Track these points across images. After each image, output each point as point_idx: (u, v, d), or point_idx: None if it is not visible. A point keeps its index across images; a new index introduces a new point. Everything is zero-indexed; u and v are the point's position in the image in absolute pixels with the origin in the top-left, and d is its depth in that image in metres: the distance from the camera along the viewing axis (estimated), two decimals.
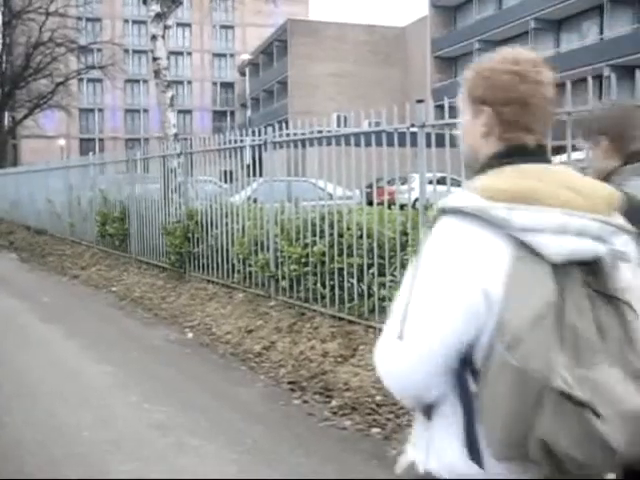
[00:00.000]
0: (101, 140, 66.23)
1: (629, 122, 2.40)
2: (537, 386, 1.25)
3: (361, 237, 6.42)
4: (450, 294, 1.35)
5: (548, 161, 1.52)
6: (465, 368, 1.37)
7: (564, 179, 1.43)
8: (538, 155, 1.49)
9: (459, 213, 1.37)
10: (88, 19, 54.67)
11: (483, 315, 1.33)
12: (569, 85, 4.72)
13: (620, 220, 1.42)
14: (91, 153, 15.14)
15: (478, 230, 1.35)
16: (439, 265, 1.39)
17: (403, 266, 5.85)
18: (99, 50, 41.95)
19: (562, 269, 1.32)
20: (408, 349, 1.38)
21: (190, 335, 7.37)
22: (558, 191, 1.38)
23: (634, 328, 1.33)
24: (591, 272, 1.35)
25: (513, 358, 1.26)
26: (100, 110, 68.04)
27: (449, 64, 48.16)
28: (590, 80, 4.62)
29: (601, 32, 35.83)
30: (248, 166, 8.65)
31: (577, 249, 1.33)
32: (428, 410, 1.47)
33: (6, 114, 38.19)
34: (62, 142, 58.23)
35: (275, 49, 57.17)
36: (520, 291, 1.30)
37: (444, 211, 1.41)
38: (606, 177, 2.25)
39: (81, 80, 55.60)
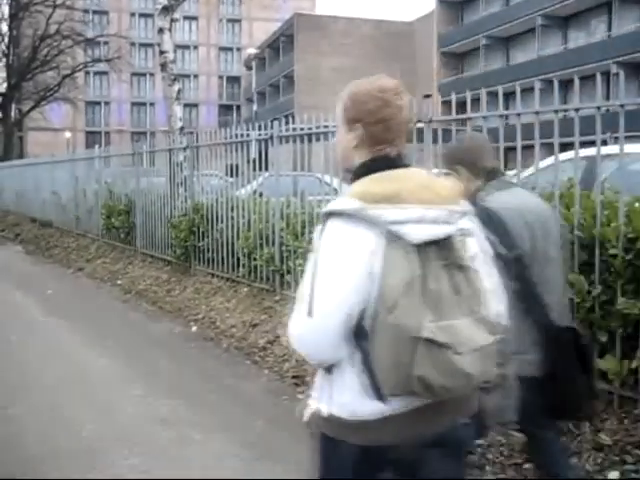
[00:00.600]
0: (107, 133, 66.32)
1: (479, 152, 2.90)
2: (410, 337, 1.69)
3: None
4: (342, 277, 1.77)
5: (406, 166, 1.94)
6: (359, 330, 1.77)
7: (421, 180, 1.91)
8: (398, 162, 1.93)
9: (342, 215, 1.79)
10: (95, 12, 54.78)
11: (368, 289, 1.75)
12: (577, 82, 4.69)
13: (463, 206, 1.91)
14: (97, 146, 15.14)
15: (357, 227, 1.77)
16: (332, 256, 1.80)
17: None
18: (106, 43, 41.94)
19: (423, 248, 1.77)
20: (317, 323, 1.79)
21: (194, 329, 7.38)
22: (417, 190, 1.83)
23: (478, 287, 1.83)
24: (445, 248, 1.81)
25: (391, 318, 1.70)
26: (106, 103, 68.10)
27: (456, 60, 48.02)
28: (599, 77, 4.59)
29: (609, 29, 35.67)
30: (254, 160, 8.63)
31: (432, 233, 1.78)
32: (330, 367, 1.88)
33: (13, 106, 38.23)
34: (68, 135, 58.31)
35: (281, 43, 57.10)
36: (393, 268, 1.74)
37: (331, 214, 1.82)
38: (473, 194, 2.69)
39: (87, 73, 55.64)
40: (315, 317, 1.78)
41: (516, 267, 2.56)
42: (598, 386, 3.64)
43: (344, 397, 1.86)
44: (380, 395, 1.78)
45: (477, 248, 1.91)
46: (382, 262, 1.75)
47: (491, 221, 2.33)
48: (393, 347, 1.72)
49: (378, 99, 1.95)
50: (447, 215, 1.83)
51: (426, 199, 1.82)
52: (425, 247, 1.77)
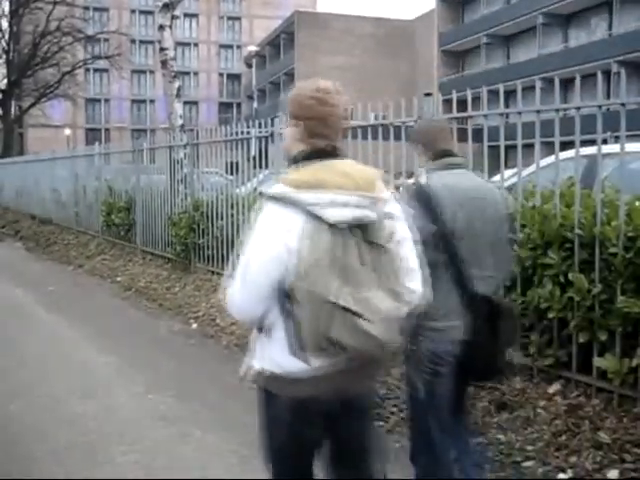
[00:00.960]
0: (107, 130, 66.24)
1: (436, 134, 3.18)
2: (324, 302, 2.01)
3: None
4: (267, 250, 2.11)
5: (338, 157, 2.25)
6: (283, 295, 2.10)
7: (342, 170, 2.19)
8: (331, 154, 2.24)
9: (273, 198, 2.14)
10: (95, 9, 54.74)
11: (287, 260, 2.07)
12: (578, 80, 4.69)
13: (381, 193, 2.19)
14: (97, 143, 15.12)
15: (283, 208, 2.11)
16: (260, 233, 2.15)
17: None
18: (106, 40, 41.90)
19: (337, 228, 2.08)
20: (246, 287, 2.16)
21: (194, 326, 7.38)
22: (336, 178, 2.13)
23: (392, 264, 2.15)
24: (360, 228, 2.12)
25: (304, 284, 2.03)
26: (106, 100, 68.05)
27: (456, 58, 47.99)
28: (600, 76, 4.59)
29: (610, 28, 35.64)
30: (254, 158, 8.63)
31: (345, 214, 2.09)
32: (261, 327, 2.22)
33: (13, 103, 38.21)
34: (68, 132, 58.23)
35: (282, 41, 57.07)
36: (307, 243, 2.05)
37: (265, 197, 2.18)
38: (424, 171, 3.12)
39: (88, 70, 55.62)
40: (243, 282, 2.16)
41: (443, 240, 2.85)
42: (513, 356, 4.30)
43: (274, 353, 2.20)
44: (303, 353, 2.10)
45: (397, 230, 2.22)
46: (300, 238, 2.07)
47: (423, 196, 2.77)
48: (310, 311, 2.04)
49: (315, 99, 2.28)
50: (359, 200, 2.12)
51: (344, 186, 2.13)
52: (340, 226, 2.09)
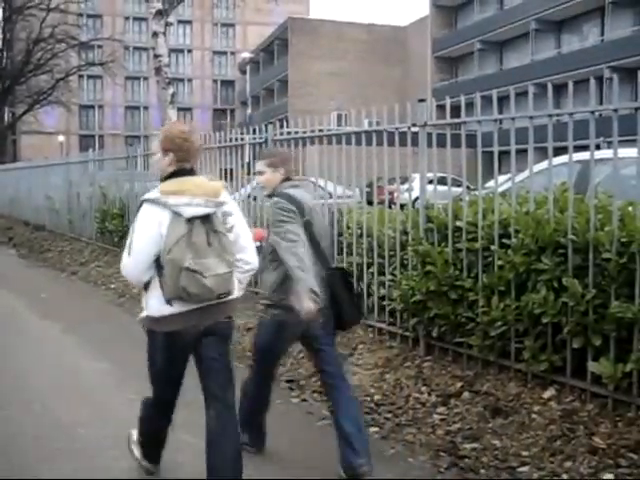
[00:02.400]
0: (101, 137, 66.11)
1: (290, 161, 4.29)
2: (178, 267, 3.13)
3: (361, 236, 6.42)
4: (145, 234, 3.26)
5: (195, 174, 3.43)
6: (158, 264, 3.25)
7: (195, 183, 3.34)
8: (190, 173, 3.40)
9: (148, 201, 3.29)
10: (89, 15, 54.72)
11: (160, 242, 3.21)
12: (571, 86, 4.71)
13: (222, 198, 3.36)
14: (91, 149, 15.11)
15: (155, 207, 3.25)
16: (141, 223, 3.29)
17: (403, 265, 5.85)
18: (99, 47, 41.89)
19: (191, 220, 3.21)
20: (132, 259, 3.31)
21: None
22: (191, 188, 3.27)
23: (225, 243, 3.28)
24: (206, 220, 3.25)
25: (169, 256, 3.15)
26: (100, 107, 67.96)
27: (450, 64, 48.11)
28: (592, 81, 4.61)
29: (602, 34, 35.80)
30: (248, 164, 8.63)
31: (196, 212, 3.22)
32: (145, 286, 3.36)
33: (6, 110, 38.17)
34: (62, 138, 58.10)
35: (276, 47, 57.12)
36: (172, 230, 3.18)
37: (144, 200, 3.32)
38: (277, 187, 4.05)
39: (81, 76, 55.52)
40: (132, 256, 3.32)
41: (307, 228, 3.91)
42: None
43: (152, 302, 3.34)
44: (168, 300, 3.25)
45: (234, 222, 3.45)
46: (167, 227, 3.21)
47: (293, 200, 3.89)
48: (171, 272, 3.18)
49: (180, 137, 3.40)
50: (206, 202, 3.27)
51: (197, 193, 3.27)
52: (193, 219, 3.23)
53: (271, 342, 4.06)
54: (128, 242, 3.33)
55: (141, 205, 3.32)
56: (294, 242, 3.76)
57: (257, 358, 4.24)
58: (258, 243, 3.87)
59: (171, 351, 3.40)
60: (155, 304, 3.30)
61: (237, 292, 3.46)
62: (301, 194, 4.00)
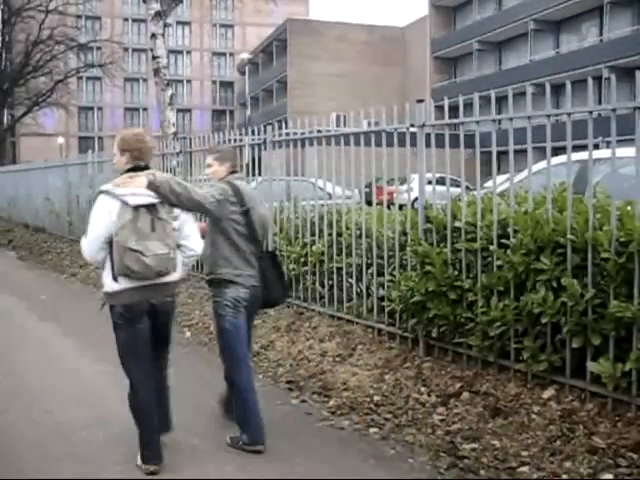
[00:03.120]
0: (100, 138, 66.03)
1: (235, 157, 4.69)
2: (123, 247, 3.75)
3: (360, 237, 6.42)
4: (98, 220, 3.89)
5: (148, 169, 3.99)
6: (108, 245, 3.83)
7: (139, 178, 3.87)
8: (144, 169, 3.95)
9: (103, 192, 3.92)
10: (88, 17, 54.65)
11: (110, 226, 3.81)
12: (569, 86, 4.72)
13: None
14: (90, 151, 15.09)
15: (108, 198, 3.87)
16: (95, 211, 3.92)
17: (402, 266, 5.85)
18: (99, 48, 41.89)
19: (137, 208, 3.81)
20: (87, 240, 3.96)
21: (188, 334, 7.36)
22: (135, 182, 3.85)
23: (167, 229, 3.88)
24: (151, 208, 3.84)
25: (116, 239, 3.77)
26: (99, 108, 67.95)
27: (449, 64, 48.14)
28: (590, 81, 4.61)
29: (600, 33, 35.82)
30: (247, 165, 8.63)
31: (140, 201, 3.81)
32: (101, 264, 3.96)
33: (5, 112, 38.11)
34: (61, 140, 58.11)
35: (275, 48, 57.12)
36: (119, 217, 3.79)
37: (100, 191, 3.95)
38: (225, 176, 4.46)
39: (80, 78, 55.55)
40: (87, 238, 3.96)
41: (245, 215, 4.35)
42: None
43: (107, 281, 3.94)
44: (117, 277, 3.86)
45: (179, 212, 4.02)
46: (116, 214, 3.81)
47: (235, 190, 4.32)
48: (117, 252, 3.78)
49: (135, 140, 4.07)
50: (150, 193, 3.85)
51: (141, 185, 3.86)
52: (139, 207, 3.82)
53: (231, 318, 4.34)
54: (87, 227, 3.97)
55: (98, 196, 3.96)
56: (208, 200, 4.13)
57: (224, 348, 4.45)
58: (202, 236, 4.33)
59: (130, 323, 3.95)
60: (108, 281, 3.93)
61: (180, 273, 4.08)
62: (243, 185, 4.50)
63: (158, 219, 3.85)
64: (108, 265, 3.89)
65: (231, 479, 3.93)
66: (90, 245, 3.94)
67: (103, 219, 3.85)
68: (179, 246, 4.02)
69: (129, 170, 3.97)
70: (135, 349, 4.02)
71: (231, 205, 4.26)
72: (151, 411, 4.09)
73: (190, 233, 4.10)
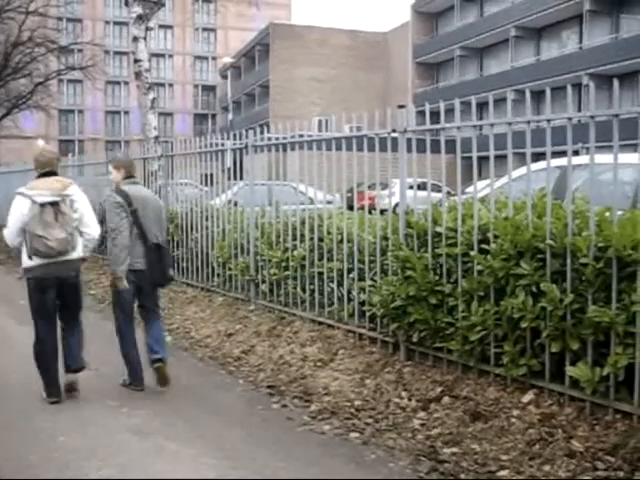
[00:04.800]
0: (81, 141, 65.74)
1: (131, 164, 6.01)
2: (32, 234, 5.02)
3: (341, 241, 6.43)
4: (14, 214, 5.19)
5: (55, 175, 5.39)
6: (23, 232, 5.11)
7: (49, 181, 5.26)
8: (52, 174, 5.37)
9: (18, 193, 5.23)
10: (69, 19, 54.18)
11: (24, 219, 5.10)
12: (548, 93, 4.76)
13: (67, 192, 5.23)
14: (70, 154, 15.00)
15: (22, 197, 5.19)
16: (13, 207, 5.22)
17: (383, 271, 5.86)
18: (80, 51, 41.56)
19: (44, 205, 5.09)
20: (7, 230, 5.24)
21: (169, 339, 7.30)
22: (45, 185, 5.23)
23: (68, 220, 5.15)
24: (55, 204, 5.13)
25: (27, 228, 5.05)
26: (80, 111, 67.55)
27: (431, 70, 48.38)
28: (569, 88, 4.66)
29: (580, 41, 36.19)
30: (229, 169, 8.63)
31: (46, 199, 5.12)
32: (17, 251, 5.37)
33: None
34: (41, 143, 57.58)
35: (257, 53, 57.09)
36: (30, 211, 5.09)
37: (16, 192, 5.25)
38: (119, 183, 5.71)
39: (61, 81, 55.17)
40: (8, 228, 5.17)
41: (133, 214, 5.51)
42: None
43: (24, 259, 5.14)
44: (29, 256, 5.07)
45: (78, 207, 5.22)
46: (28, 209, 5.04)
47: (123, 194, 5.52)
48: (29, 238, 5.00)
49: (40, 155, 5.41)
50: (51, 193, 5.11)
51: (46, 188, 5.14)
52: (45, 204, 5.05)
53: (122, 295, 5.66)
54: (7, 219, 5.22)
55: (15, 196, 5.22)
56: (116, 233, 5.46)
57: (117, 310, 5.80)
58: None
59: (40, 291, 5.23)
60: (25, 259, 5.17)
61: (80, 253, 5.31)
62: (134, 189, 5.70)
63: (60, 212, 5.10)
64: (24, 247, 5.12)
65: (227, 479, 3.89)
66: (9, 233, 5.22)
67: (18, 213, 5.14)
68: (81, 233, 5.28)
69: (40, 176, 5.32)
70: (42, 312, 5.31)
71: (119, 208, 5.49)
72: (49, 358, 5.36)
73: (88, 222, 5.33)
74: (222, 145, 8.89)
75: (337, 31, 54.88)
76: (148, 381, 5.73)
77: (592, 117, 4.42)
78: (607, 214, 4.33)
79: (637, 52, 30.19)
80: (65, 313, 5.44)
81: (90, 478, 3.99)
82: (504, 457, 4.01)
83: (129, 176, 5.77)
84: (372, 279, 5.99)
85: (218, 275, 8.47)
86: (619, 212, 4.28)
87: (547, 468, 3.82)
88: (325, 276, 6.61)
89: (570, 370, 4.32)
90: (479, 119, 5.34)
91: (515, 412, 4.44)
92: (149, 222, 5.62)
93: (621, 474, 3.66)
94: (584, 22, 34.99)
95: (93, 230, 5.36)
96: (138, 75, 11.14)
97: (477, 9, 44.42)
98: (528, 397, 4.56)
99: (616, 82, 4.40)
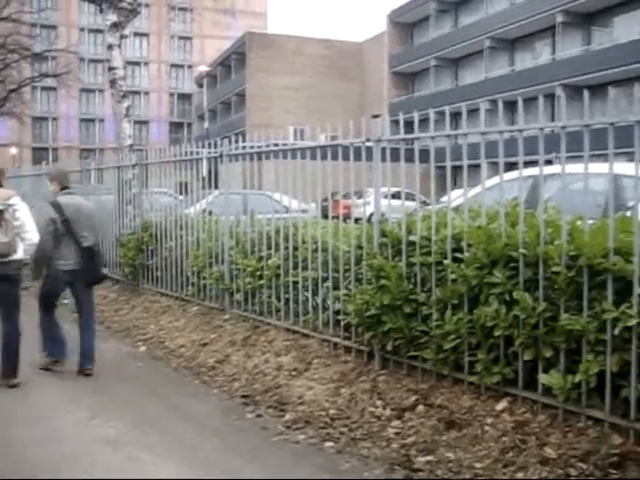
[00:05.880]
0: (55, 149, 65.20)
1: (65, 176, 6.83)
2: None
3: (316, 250, 6.43)
4: None
5: (3, 188, 6.03)
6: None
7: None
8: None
9: None
10: (43, 26, 53.90)
11: None
12: (520, 103, 4.81)
13: (10, 201, 5.85)
14: (44, 162, 14.84)
15: None
16: None
17: (358, 280, 5.87)
18: (54, 58, 41.30)
19: None
20: None
21: (143, 348, 7.27)
22: None
23: (11, 227, 5.75)
24: (0, 213, 5.77)
25: None
26: (54, 119, 67.04)
27: (406, 80, 48.74)
28: (541, 99, 4.71)
29: (553, 52, 36.71)
30: (204, 178, 8.60)
31: None
32: None
33: None
34: (14, 150, 57.07)
35: (233, 61, 57.14)
36: None
37: None
38: (56, 194, 6.50)
39: (35, 88, 54.70)
40: None
41: (65, 223, 6.24)
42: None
43: None
44: None
45: (20, 215, 5.84)
46: None
47: (56, 205, 6.27)
48: None
49: None
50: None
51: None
52: None
53: (50, 288, 6.50)
54: None
55: None
56: (43, 241, 6.07)
57: (42, 300, 6.56)
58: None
59: None
60: None
61: (20, 255, 5.89)
62: (67, 199, 6.44)
63: (3, 219, 5.70)
64: None
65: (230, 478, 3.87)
66: None
67: None
68: (22, 238, 5.85)
69: None
70: None
71: (50, 220, 6.24)
72: (11, 347, 5.97)
73: (29, 229, 5.91)
74: (197, 154, 8.86)
75: (313, 40, 55.12)
76: (123, 390, 5.67)
77: (563, 127, 4.47)
78: (579, 223, 4.38)
79: (608, 64, 30.71)
80: (6, 308, 6.02)
81: (89, 478, 3.95)
82: (478, 465, 4.02)
83: (64, 187, 6.55)
84: (347, 288, 6.00)
85: (192, 284, 8.43)
86: (590, 221, 4.33)
87: (520, 475, 3.84)
88: (300, 285, 6.60)
89: (543, 378, 4.36)
90: (454, 129, 5.38)
91: (489, 420, 4.46)
92: (80, 228, 6.37)
93: None
94: (557, 34, 35.52)
95: (33, 236, 5.97)
96: (113, 83, 11.06)
97: (452, 20, 44.89)
98: (502, 405, 4.59)
99: (586, 93, 4.45)
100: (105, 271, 6.92)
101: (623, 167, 4.97)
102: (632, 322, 3.88)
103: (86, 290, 6.59)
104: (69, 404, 5.52)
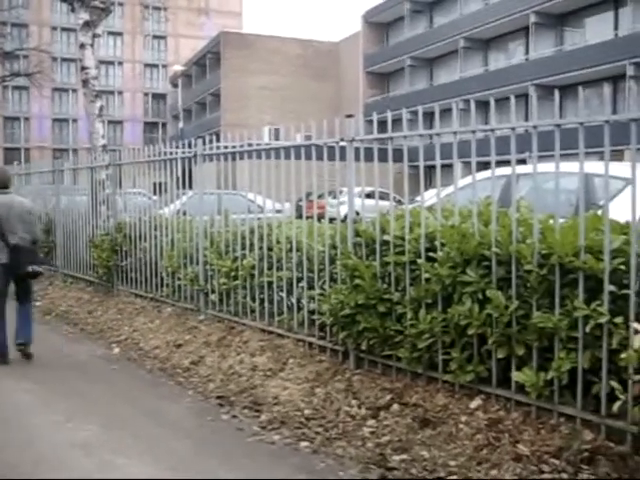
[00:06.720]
0: (27, 150, 64.39)
1: (5, 175, 7.13)
2: None
3: (291, 250, 6.42)
4: None
5: None
6: None
7: None
8: None
9: None
10: (14, 24, 53.13)
11: None
12: (492, 103, 4.85)
13: None
14: (16, 163, 14.67)
15: None
16: None
17: (332, 279, 5.88)
18: (25, 57, 40.82)
19: None
20: None
21: (117, 350, 7.21)
22: None
23: None
24: None
25: None
26: (26, 119, 66.21)
27: (381, 80, 48.87)
28: (513, 99, 4.75)
29: (527, 52, 37.04)
30: (179, 179, 8.55)
31: None
32: None
33: None
34: None
35: (208, 61, 56.86)
36: None
37: None
38: None
39: (6, 87, 54.10)
40: None
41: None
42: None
43: None
44: None
45: None
46: None
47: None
48: None
49: None
50: None
51: None
52: None
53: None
54: None
55: None
56: None
57: None
58: None
59: None
60: None
61: None
62: (1, 198, 6.78)
63: None
64: None
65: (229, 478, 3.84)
66: None
67: None
68: None
69: None
70: None
71: None
72: None
73: None
74: (172, 154, 8.81)
75: (288, 40, 55.04)
76: (96, 392, 5.62)
77: (535, 127, 4.52)
78: (550, 222, 4.43)
79: (579, 64, 31.08)
80: None
81: (88, 478, 3.91)
82: (452, 463, 4.04)
83: (3, 187, 6.92)
84: (321, 288, 6.00)
85: (167, 285, 8.38)
86: (562, 219, 4.38)
87: (494, 472, 3.87)
88: (275, 285, 6.59)
89: (516, 375, 4.39)
90: (429, 128, 5.40)
91: (463, 418, 4.48)
92: (11, 226, 6.76)
93: (565, 476, 3.73)
94: (530, 34, 35.85)
95: None
96: (85, 83, 10.95)
97: (427, 20, 45.10)
98: (476, 403, 4.62)
99: (557, 93, 4.50)
100: (37, 268, 6.97)
101: (594, 166, 5.03)
102: (603, 319, 3.93)
103: (19, 283, 7.02)
104: (42, 407, 5.46)
